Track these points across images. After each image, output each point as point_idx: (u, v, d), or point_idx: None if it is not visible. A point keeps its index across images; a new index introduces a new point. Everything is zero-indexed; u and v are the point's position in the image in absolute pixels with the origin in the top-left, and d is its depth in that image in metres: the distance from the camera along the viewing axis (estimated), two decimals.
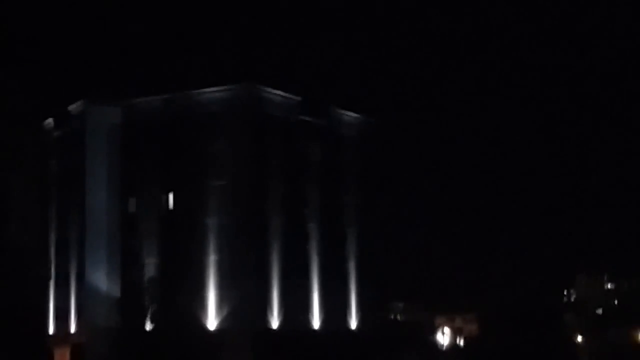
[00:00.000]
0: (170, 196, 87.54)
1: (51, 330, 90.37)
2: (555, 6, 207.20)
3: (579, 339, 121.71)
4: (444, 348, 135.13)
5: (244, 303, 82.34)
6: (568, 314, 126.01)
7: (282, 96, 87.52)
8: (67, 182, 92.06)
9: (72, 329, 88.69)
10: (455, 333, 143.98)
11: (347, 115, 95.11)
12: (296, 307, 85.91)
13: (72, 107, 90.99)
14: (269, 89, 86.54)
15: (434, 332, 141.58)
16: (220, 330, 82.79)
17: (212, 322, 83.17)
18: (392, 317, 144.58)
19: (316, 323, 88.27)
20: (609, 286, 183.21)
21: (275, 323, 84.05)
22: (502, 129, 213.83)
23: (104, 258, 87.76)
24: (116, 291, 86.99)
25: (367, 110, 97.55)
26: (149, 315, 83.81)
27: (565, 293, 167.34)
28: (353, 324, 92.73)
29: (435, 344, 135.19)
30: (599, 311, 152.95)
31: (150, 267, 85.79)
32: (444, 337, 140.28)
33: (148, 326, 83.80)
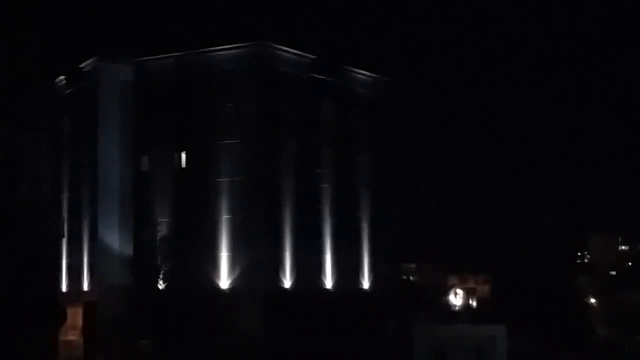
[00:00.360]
0: (183, 155, 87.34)
1: (64, 288, 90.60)
2: None
3: (592, 300, 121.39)
4: (457, 309, 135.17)
5: (257, 263, 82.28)
6: (581, 276, 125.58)
7: (294, 54, 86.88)
8: (79, 139, 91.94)
9: (85, 287, 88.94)
10: (467, 294, 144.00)
11: (360, 74, 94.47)
12: (308, 267, 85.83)
13: (84, 65, 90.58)
14: (282, 47, 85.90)
15: (446, 292, 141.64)
16: (232, 289, 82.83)
17: (224, 281, 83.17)
18: (405, 277, 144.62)
19: (328, 283, 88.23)
20: (622, 248, 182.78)
21: (287, 283, 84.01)
22: (514, 89, 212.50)
23: (117, 216, 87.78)
24: (129, 249, 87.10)
25: (380, 69, 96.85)
26: (161, 274, 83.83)
27: (578, 254, 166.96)
28: (365, 284, 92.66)
29: (447, 305, 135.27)
30: (613, 273, 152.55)
31: (162, 225, 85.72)
32: (456, 298, 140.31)
33: (160, 285, 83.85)
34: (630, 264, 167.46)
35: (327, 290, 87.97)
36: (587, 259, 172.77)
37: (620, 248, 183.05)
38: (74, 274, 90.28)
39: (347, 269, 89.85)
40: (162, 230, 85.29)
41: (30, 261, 57.84)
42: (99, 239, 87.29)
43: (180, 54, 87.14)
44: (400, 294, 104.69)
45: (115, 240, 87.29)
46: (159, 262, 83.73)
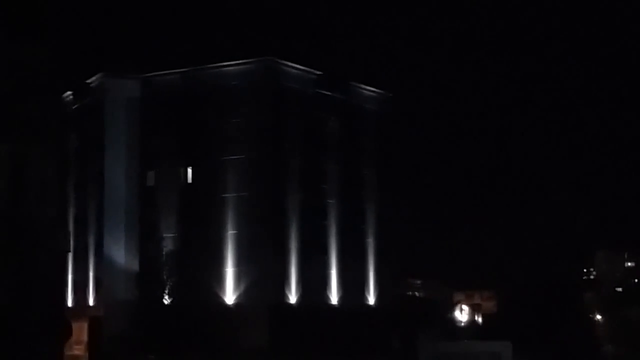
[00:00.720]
0: (189, 170, 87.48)
1: (69, 303, 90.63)
2: None
3: (598, 317, 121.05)
4: (462, 324, 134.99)
5: (262, 278, 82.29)
6: (587, 292, 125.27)
7: (300, 70, 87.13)
8: (85, 154, 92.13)
9: (91, 302, 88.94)
10: (473, 310, 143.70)
11: (365, 89, 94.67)
12: (314, 283, 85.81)
13: (91, 80, 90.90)
14: (288, 63, 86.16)
15: (452, 308, 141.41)
16: (237, 304, 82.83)
17: (229, 296, 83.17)
18: (410, 293, 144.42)
19: (334, 298, 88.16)
20: (628, 264, 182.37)
21: (293, 298, 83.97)
22: (521, 103, 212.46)
23: (123, 231, 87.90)
24: (134, 265, 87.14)
25: (385, 84, 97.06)
26: (167, 289, 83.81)
27: (584, 271, 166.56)
28: (371, 299, 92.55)
29: (453, 321, 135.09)
30: (619, 289, 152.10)
31: (168, 241, 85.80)
32: (462, 314, 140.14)
33: (166, 300, 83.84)
34: (636, 280, 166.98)
35: (333, 305, 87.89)
36: (593, 275, 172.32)
37: (626, 264, 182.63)
38: (79, 289, 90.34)
39: (352, 284, 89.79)
40: (168, 245, 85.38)
41: (36, 276, 57.87)
42: (104, 254, 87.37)
43: (187, 69, 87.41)
44: (406, 310, 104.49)
45: (121, 255, 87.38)
46: (164, 277, 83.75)
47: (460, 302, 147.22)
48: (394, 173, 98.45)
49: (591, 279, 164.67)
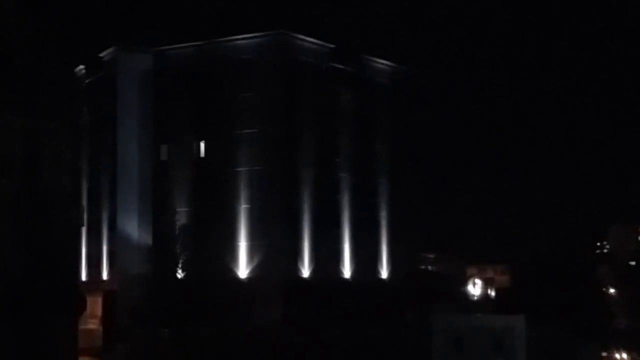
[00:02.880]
0: (202, 144, 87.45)
1: (84, 277, 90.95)
2: None
3: (612, 290, 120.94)
4: (475, 299, 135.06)
5: (275, 252, 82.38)
6: (601, 266, 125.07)
7: (314, 44, 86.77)
8: (99, 129, 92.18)
9: (104, 276, 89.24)
10: (486, 284, 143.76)
11: (379, 63, 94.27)
12: (327, 257, 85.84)
13: (104, 54, 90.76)
14: (301, 37, 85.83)
15: (465, 282, 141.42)
16: (250, 278, 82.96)
17: (242, 270, 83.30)
18: (423, 267, 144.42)
19: (347, 273, 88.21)
20: None
21: (306, 272, 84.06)
22: (535, 80, 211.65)
23: (136, 205, 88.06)
24: (148, 239, 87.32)
25: (399, 58, 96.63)
26: (180, 263, 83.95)
27: (598, 245, 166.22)
28: (384, 273, 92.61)
29: (466, 295, 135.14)
30: (632, 263, 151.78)
31: (181, 215, 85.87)
32: (475, 288, 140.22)
33: (179, 274, 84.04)
34: None
35: (346, 279, 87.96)
36: (607, 249, 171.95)
37: (639, 238, 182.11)
38: (93, 263, 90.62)
39: (365, 258, 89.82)
40: (181, 219, 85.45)
41: (51, 250, 58.10)
42: (118, 228, 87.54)
43: (200, 42, 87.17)
44: (419, 284, 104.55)
45: (135, 229, 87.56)
46: (177, 251, 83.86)
47: (473, 276, 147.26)
48: (407, 147, 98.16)
49: (605, 253, 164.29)
